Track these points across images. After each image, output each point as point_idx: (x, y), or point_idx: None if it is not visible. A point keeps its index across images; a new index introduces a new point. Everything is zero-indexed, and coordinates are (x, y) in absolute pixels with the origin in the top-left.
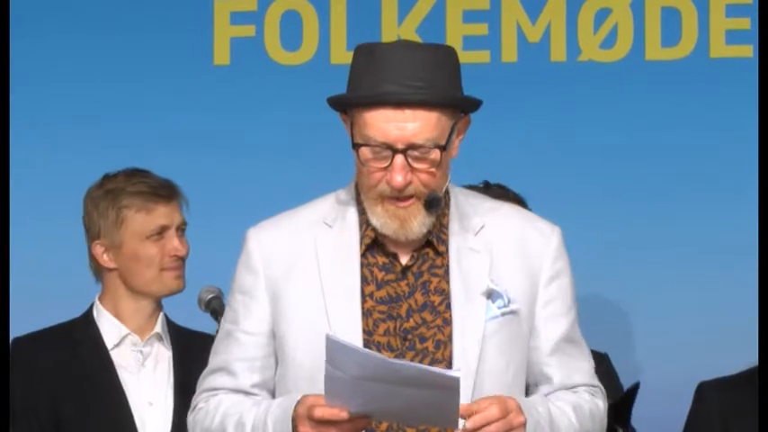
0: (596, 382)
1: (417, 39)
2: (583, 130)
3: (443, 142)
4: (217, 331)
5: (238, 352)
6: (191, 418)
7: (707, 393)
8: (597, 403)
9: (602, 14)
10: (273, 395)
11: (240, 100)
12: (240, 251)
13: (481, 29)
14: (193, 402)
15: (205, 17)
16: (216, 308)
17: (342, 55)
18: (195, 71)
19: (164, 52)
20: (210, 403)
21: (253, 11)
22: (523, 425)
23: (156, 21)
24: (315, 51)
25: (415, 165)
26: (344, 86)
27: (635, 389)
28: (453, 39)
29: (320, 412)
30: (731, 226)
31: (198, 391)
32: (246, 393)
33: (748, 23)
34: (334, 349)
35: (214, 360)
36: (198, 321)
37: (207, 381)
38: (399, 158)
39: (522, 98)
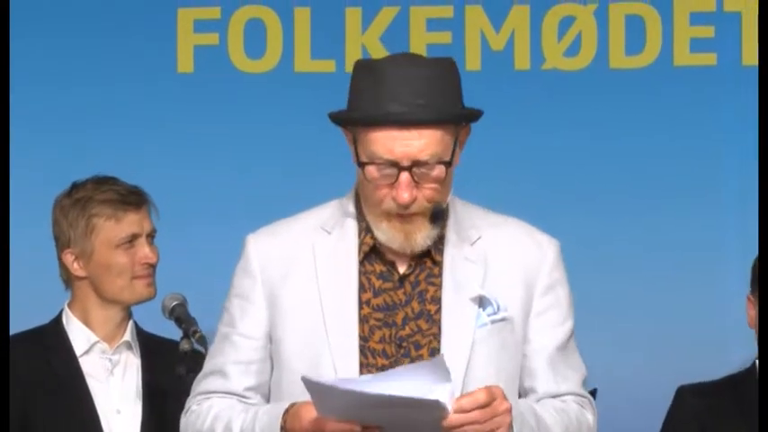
0: (585, 393)
1: (381, 46)
2: (547, 138)
3: (448, 158)
4: (181, 338)
5: (234, 355)
6: (183, 420)
7: (686, 398)
8: (585, 413)
9: (566, 23)
10: (268, 399)
11: (204, 107)
12: (239, 256)
13: (445, 37)
14: (187, 405)
15: (168, 25)
16: (180, 315)
17: (305, 63)
18: (159, 79)
19: (127, 59)
20: (203, 406)
21: (216, 19)
22: (509, 410)
23: (119, 27)
24: (278, 60)
25: (421, 181)
26: (308, 94)
27: (592, 394)
28: (417, 47)
29: (332, 427)
30: (696, 229)
31: (192, 393)
32: (240, 397)
33: (712, 32)
34: (314, 389)
35: (209, 363)
36: (162, 328)
37: (201, 384)
38: (405, 175)
39: (486, 106)
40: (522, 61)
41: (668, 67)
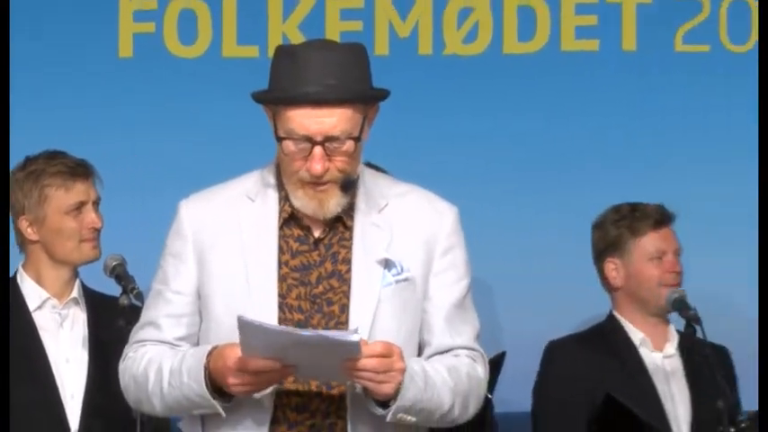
0: (477, 347)
1: (299, 34)
2: (446, 119)
3: (357, 134)
4: (120, 294)
5: (166, 309)
6: (122, 365)
7: (556, 352)
8: (476, 367)
9: (465, 12)
10: (199, 341)
11: (142, 89)
12: (172, 220)
13: (356, 25)
14: (125, 352)
15: (111, 14)
16: (119, 273)
17: (232, 49)
18: (102, 63)
19: (72, 44)
20: (138, 353)
21: (153, 9)
22: (402, 371)
23: (65, 15)
24: (208, 45)
25: (332, 154)
26: (234, 76)
27: (501, 358)
28: (332, 34)
29: (257, 365)
30: (584, 209)
31: (129, 342)
32: (171, 345)
33: (595, 20)
34: (247, 328)
35: (144, 315)
36: (105, 285)
37: (137, 334)
38: (318, 149)
39: (393, 88)
40: (425, 47)
41: (556, 52)
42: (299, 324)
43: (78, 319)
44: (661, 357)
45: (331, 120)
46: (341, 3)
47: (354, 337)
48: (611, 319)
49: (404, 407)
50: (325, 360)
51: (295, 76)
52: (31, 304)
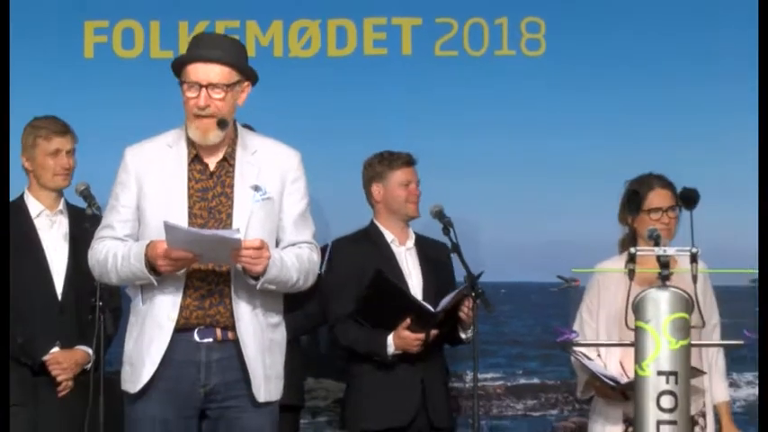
0: (314, 241)
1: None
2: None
3: (230, 85)
4: (86, 207)
5: (117, 216)
6: (90, 253)
7: (338, 247)
8: (312, 255)
9: (303, 29)
10: (139, 238)
11: (101, 79)
12: (120, 160)
13: (236, 29)
14: (91, 244)
15: (78, 29)
16: (85, 194)
17: (156, 52)
18: (64, 60)
19: (37, 49)
20: (100, 245)
21: (105, 27)
22: (269, 257)
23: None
24: (141, 50)
25: (212, 95)
26: (165, 68)
27: (325, 248)
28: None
29: (176, 254)
30: None
31: (94, 238)
32: (121, 239)
33: (385, 35)
34: (170, 229)
35: (103, 221)
36: (78, 201)
37: (99, 232)
38: (203, 90)
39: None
40: (279, 51)
41: (360, 56)
42: (201, 226)
43: (63, 223)
44: (404, 249)
45: (213, 72)
46: (225, 24)
47: (237, 235)
48: (372, 225)
49: (268, 280)
50: (219, 250)
51: (194, 47)
52: (33, 213)
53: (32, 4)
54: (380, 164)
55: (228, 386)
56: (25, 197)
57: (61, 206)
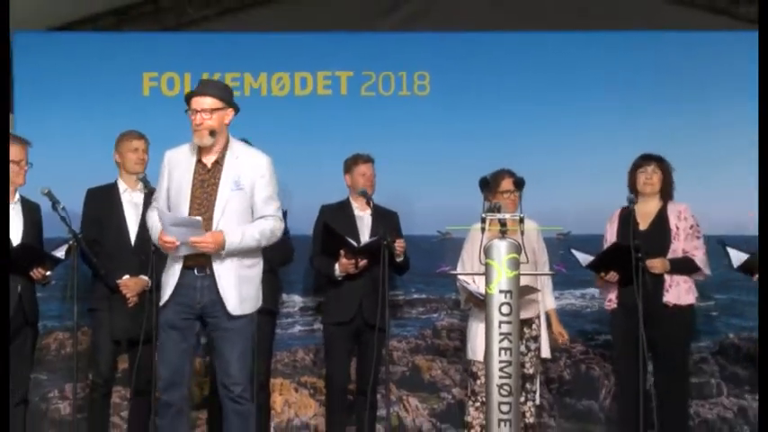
0: (278, 213)
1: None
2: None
3: (213, 109)
4: (51, 205)
5: (159, 194)
6: (149, 212)
7: (321, 211)
8: (274, 223)
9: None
10: (170, 209)
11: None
12: (162, 159)
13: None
14: (147, 211)
15: (137, 80)
16: (49, 195)
17: (177, 91)
18: (125, 99)
19: (100, 92)
20: (151, 212)
21: (155, 75)
22: (218, 244)
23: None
24: (179, 90)
25: (203, 116)
26: (179, 105)
27: (285, 215)
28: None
29: (164, 237)
30: None
31: (150, 206)
32: (160, 209)
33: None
34: (163, 216)
35: (155, 195)
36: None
37: (152, 202)
38: (198, 114)
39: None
40: (264, 91)
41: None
42: (198, 206)
43: (139, 197)
44: (364, 214)
45: (204, 102)
46: (230, 75)
47: (198, 218)
48: (347, 200)
49: (229, 251)
50: (187, 234)
51: (195, 87)
52: (121, 190)
53: (110, 65)
54: (349, 161)
55: (213, 303)
56: (118, 181)
57: (139, 187)
